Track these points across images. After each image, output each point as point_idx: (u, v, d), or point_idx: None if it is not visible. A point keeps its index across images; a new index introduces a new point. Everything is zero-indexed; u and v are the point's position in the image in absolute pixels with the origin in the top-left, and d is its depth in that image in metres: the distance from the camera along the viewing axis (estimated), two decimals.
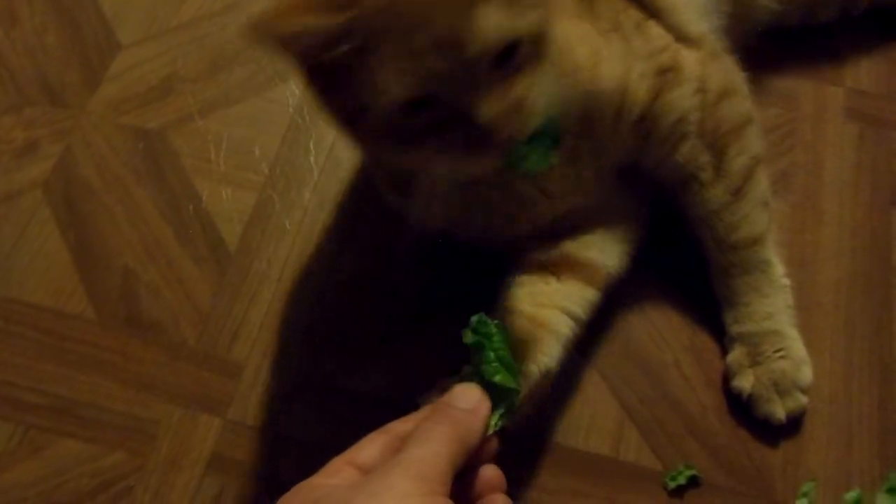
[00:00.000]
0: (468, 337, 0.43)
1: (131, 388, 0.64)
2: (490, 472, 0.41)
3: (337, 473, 0.38)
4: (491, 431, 0.41)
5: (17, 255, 0.70)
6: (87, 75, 0.79)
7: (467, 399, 0.41)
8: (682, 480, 0.60)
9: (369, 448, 0.40)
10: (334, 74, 0.42)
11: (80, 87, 0.78)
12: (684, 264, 0.69)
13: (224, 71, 0.79)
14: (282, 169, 0.75)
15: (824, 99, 0.76)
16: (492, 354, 0.43)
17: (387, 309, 0.68)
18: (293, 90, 0.78)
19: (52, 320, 0.67)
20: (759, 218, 0.61)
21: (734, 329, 0.63)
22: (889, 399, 0.64)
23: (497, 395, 0.42)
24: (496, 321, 0.44)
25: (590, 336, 0.66)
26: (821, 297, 0.68)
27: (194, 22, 0.82)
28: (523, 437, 0.62)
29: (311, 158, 0.75)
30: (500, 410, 0.42)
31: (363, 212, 0.72)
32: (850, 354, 0.66)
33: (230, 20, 0.82)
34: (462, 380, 0.43)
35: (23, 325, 0.67)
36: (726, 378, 0.64)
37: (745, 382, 0.61)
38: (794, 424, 0.62)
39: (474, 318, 0.44)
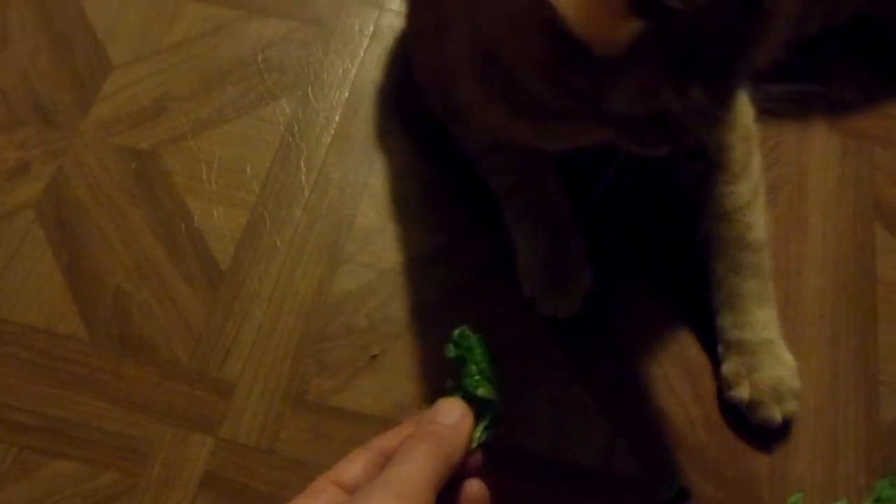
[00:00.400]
0: (450, 351, 0.44)
1: (124, 408, 0.65)
2: (474, 487, 0.41)
3: (320, 494, 0.38)
4: (475, 445, 0.42)
5: (9, 275, 0.70)
6: (80, 96, 0.80)
7: (450, 414, 0.41)
8: (671, 493, 0.61)
9: (352, 466, 0.40)
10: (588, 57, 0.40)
11: (72, 107, 0.79)
12: (675, 279, 0.70)
13: (216, 90, 0.80)
14: (272, 188, 0.75)
15: (808, 113, 0.78)
16: (474, 368, 0.43)
17: (376, 326, 0.68)
18: (284, 109, 0.79)
19: (45, 340, 0.67)
20: (765, 224, 0.64)
21: (733, 335, 0.64)
22: (874, 408, 0.65)
23: (480, 408, 0.43)
24: (478, 335, 0.44)
25: (579, 349, 0.67)
26: (806, 307, 0.69)
27: (186, 42, 0.83)
28: (511, 451, 0.63)
29: (302, 177, 0.76)
30: (484, 423, 0.43)
31: (351, 231, 0.73)
32: (836, 365, 0.67)
33: (221, 39, 0.83)
34: (446, 394, 0.43)
35: (15, 346, 0.67)
36: (718, 390, 0.65)
37: (742, 392, 0.62)
38: (786, 429, 0.63)
39: (456, 332, 0.44)
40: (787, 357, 0.63)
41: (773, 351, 0.63)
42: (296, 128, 0.78)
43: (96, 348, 0.67)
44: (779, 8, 0.41)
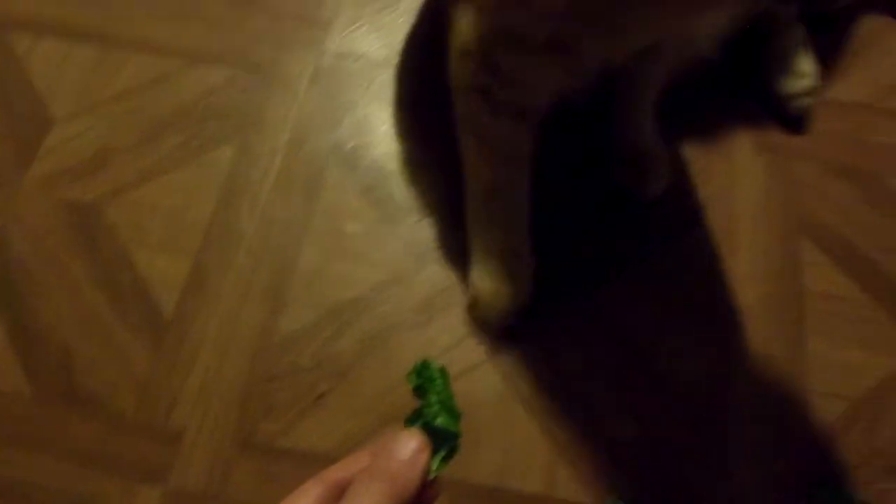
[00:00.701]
0: (412, 380, 0.44)
1: (71, 464, 0.65)
2: None
3: None
4: (432, 476, 0.42)
5: None
6: (21, 152, 0.80)
7: (406, 448, 0.41)
8: None
9: (305, 499, 0.39)
10: None
11: (13, 164, 0.79)
12: (613, 299, 0.72)
13: (158, 139, 0.81)
14: (215, 233, 0.76)
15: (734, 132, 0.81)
16: (434, 398, 0.44)
17: (321, 365, 0.69)
18: (226, 154, 0.80)
19: None
20: None
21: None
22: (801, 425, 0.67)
23: (438, 438, 0.43)
24: (440, 366, 0.45)
25: (519, 376, 0.69)
26: (736, 319, 0.71)
27: (128, 93, 0.84)
28: (453, 479, 0.64)
29: (244, 221, 0.77)
30: (442, 454, 0.43)
31: (294, 272, 0.74)
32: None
33: (163, 89, 0.84)
34: (405, 423, 0.43)
35: None
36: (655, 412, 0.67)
37: None
38: None
39: (418, 364, 0.45)
40: None
41: None
42: (238, 173, 0.79)
43: (41, 405, 0.67)
44: None
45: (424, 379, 0.45)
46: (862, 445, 0.68)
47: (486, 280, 0.69)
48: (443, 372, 0.45)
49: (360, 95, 0.83)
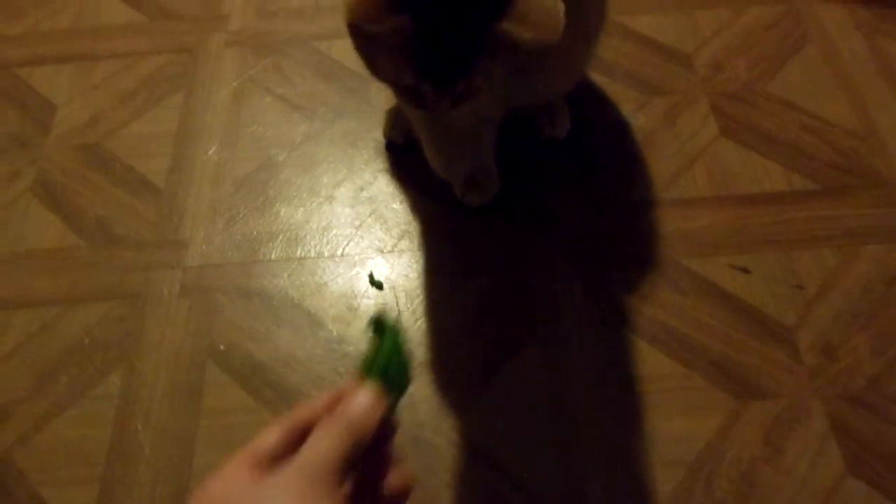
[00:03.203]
0: (368, 330, 0.51)
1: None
2: (393, 479, 0.46)
3: (236, 471, 0.40)
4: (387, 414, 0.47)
5: None
6: None
7: (365, 399, 0.45)
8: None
9: (268, 438, 0.42)
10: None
11: None
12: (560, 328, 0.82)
13: (50, 383, 0.90)
14: (116, 455, 0.85)
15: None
16: (387, 347, 0.50)
17: None
18: (115, 382, 0.90)
19: None
20: None
21: None
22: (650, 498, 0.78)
23: (392, 381, 0.49)
24: (394, 317, 0.53)
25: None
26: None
27: (17, 349, 0.93)
28: None
29: (140, 438, 0.86)
30: (395, 394, 0.49)
31: (191, 475, 0.83)
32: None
33: (48, 337, 0.94)
34: (361, 368, 0.48)
35: None
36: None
37: None
38: None
39: (374, 315, 0.52)
40: None
41: None
42: (128, 395, 0.89)
43: None
44: (494, 53, 0.64)
45: (380, 329, 0.51)
46: (706, 501, 0.78)
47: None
48: (396, 322, 0.52)
49: (225, 299, 0.95)
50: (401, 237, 0.98)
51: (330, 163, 1.07)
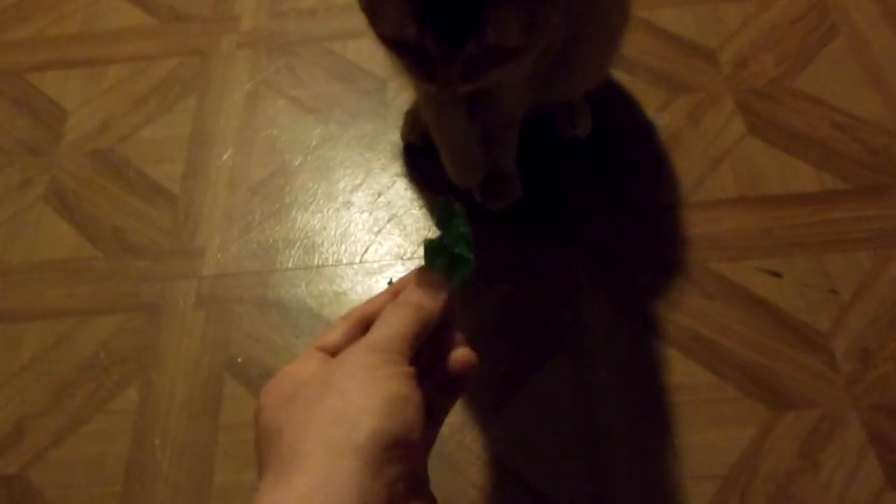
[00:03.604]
0: (436, 217, 0.52)
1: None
2: (460, 352, 0.47)
3: (310, 358, 0.44)
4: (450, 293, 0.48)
5: None
6: None
7: (428, 282, 0.47)
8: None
9: (335, 333, 0.46)
10: None
11: None
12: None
13: (67, 398, 0.89)
14: (134, 472, 0.83)
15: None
16: (454, 230, 0.51)
17: None
18: (132, 396, 0.88)
19: None
20: None
21: None
22: None
23: (456, 264, 0.50)
24: (459, 203, 0.53)
25: None
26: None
27: (32, 362, 0.92)
28: None
29: (158, 454, 0.84)
30: (459, 278, 0.50)
31: (210, 491, 0.81)
32: None
33: (64, 349, 0.92)
34: (425, 255, 0.50)
35: None
36: None
37: None
38: None
39: (440, 202, 0.53)
40: None
41: None
42: (145, 411, 0.87)
43: None
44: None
45: (448, 214, 0.52)
46: None
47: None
48: (461, 208, 0.53)
49: (241, 310, 0.93)
50: (420, 243, 0.96)
51: (346, 167, 1.05)
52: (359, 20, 0.64)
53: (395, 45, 0.62)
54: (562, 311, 0.89)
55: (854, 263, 0.90)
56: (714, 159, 1.00)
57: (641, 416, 0.82)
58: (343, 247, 0.97)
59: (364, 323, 0.46)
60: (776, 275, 0.90)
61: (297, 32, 1.22)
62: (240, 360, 0.89)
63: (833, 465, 0.78)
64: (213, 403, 0.87)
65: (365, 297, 0.89)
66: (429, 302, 0.46)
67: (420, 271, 0.49)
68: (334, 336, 0.46)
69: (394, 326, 0.44)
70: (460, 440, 0.81)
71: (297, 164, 1.06)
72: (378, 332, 0.44)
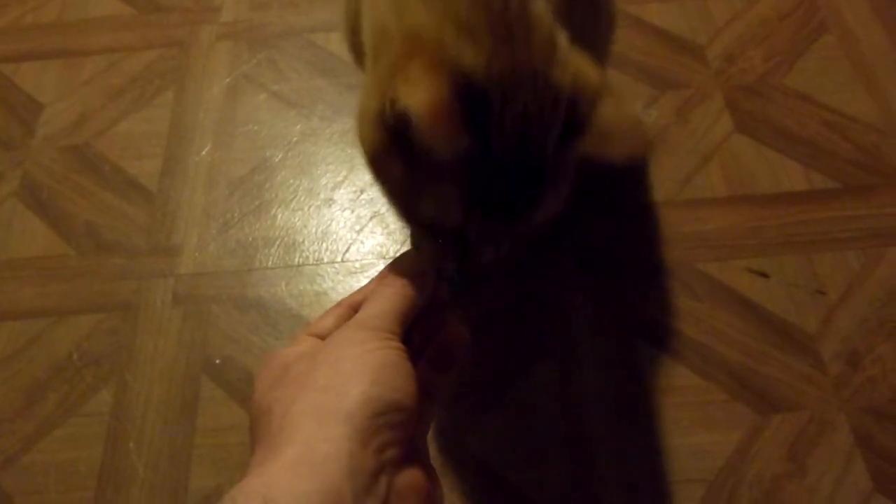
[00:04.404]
0: None
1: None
2: (453, 328, 0.48)
3: (301, 342, 0.44)
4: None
5: None
6: None
7: (413, 263, 0.48)
8: None
9: (326, 319, 0.46)
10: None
11: None
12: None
13: (39, 401, 0.86)
14: (108, 477, 0.81)
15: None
16: None
17: None
18: (106, 399, 0.86)
19: None
20: None
21: None
22: None
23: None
24: None
25: None
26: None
27: (4, 363, 0.89)
28: None
29: (133, 457, 0.82)
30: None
31: (187, 496, 0.79)
32: None
33: (36, 350, 0.90)
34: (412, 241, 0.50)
35: None
36: None
37: None
38: None
39: None
40: None
41: None
42: (119, 413, 0.85)
43: None
44: (566, 174, 0.50)
45: None
46: None
47: None
48: None
49: (220, 310, 0.91)
50: (404, 242, 0.94)
51: (328, 163, 1.03)
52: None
53: (429, 227, 0.54)
54: (547, 312, 0.87)
55: (843, 264, 0.89)
56: (702, 157, 0.99)
57: (627, 420, 0.80)
58: (324, 245, 0.95)
59: (355, 309, 0.46)
60: (764, 275, 0.89)
61: (279, 24, 1.19)
62: (217, 361, 0.87)
63: (821, 469, 0.77)
64: (189, 406, 0.84)
65: None
66: (414, 281, 0.46)
67: (405, 254, 0.50)
68: (326, 321, 0.46)
69: (381, 304, 0.44)
70: (443, 444, 0.80)
71: (277, 160, 1.03)
72: (366, 311, 0.44)
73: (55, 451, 0.83)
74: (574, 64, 0.47)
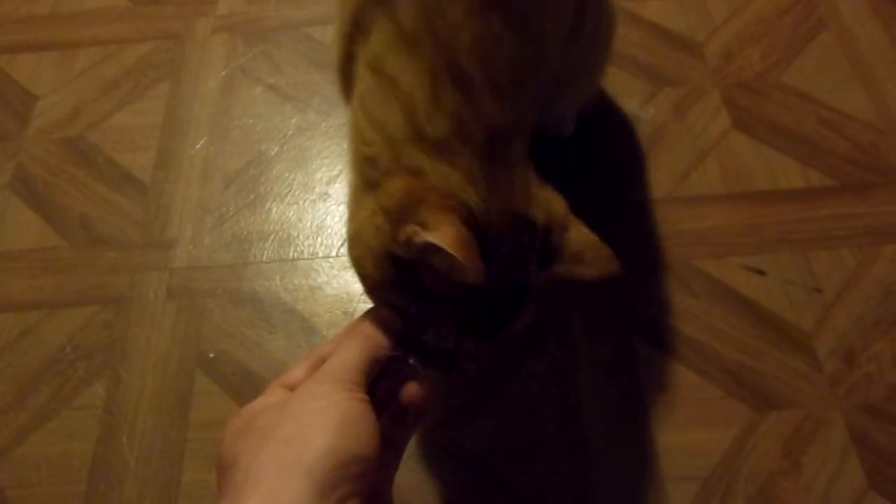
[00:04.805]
0: None
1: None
2: (412, 388, 0.49)
3: (271, 395, 0.46)
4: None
5: None
6: None
7: (378, 317, 0.49)
8: None
9: (296, 371, 0.48)
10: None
11: None
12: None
13: (31, 394, 0.86)
14: (100, 470, 0.80)
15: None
16: None
17: None
18: (99, 392, 0.85)
19: None
20: None
21: None
22: None
23: None
24: None
25: None
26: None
27: None
28: None
29: (125, 452, 0.81)
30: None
31: (179, 490, 0.78)
32: None
33: (28, 343, 0.89)
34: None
35: None
36: None
37: None
38: None
39: None
40: None
41: None
42: (112, 407, 0.84)
43: None
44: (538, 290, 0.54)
45: None
46: None
47: None
48: None
49: (214, 304, 0.90)
50: None
51: (324, 157, 1.02)
52: None
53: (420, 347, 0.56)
54: (542, 310, 0.87)
55: (839, 261, 0.89)
56: (700, 154, 0.99)
57: (622, 416, 0.80)
58: (319, 239, 0.95)
59: (324, 360, 0.47)
60: (761, 273, 0.88)
61: (276, 17, 1.18)
62: (211, 355, 0.86)
63: (816, 466, 0.76)
64: (183, 400, 0.84)
65: (341, 292, 0.87)
66: (378, 334, 0.48)
67: (373, 308, 0.51)
68: (296, 373, 0.47)
69: (346, 356, 0.45)
70: (436, 441, 0.79)
71: (273, 153, 1.03)
72: (331, 363, 0.45)
73: (47, 444, 0.82)
74: (544, 198, 0.53)
